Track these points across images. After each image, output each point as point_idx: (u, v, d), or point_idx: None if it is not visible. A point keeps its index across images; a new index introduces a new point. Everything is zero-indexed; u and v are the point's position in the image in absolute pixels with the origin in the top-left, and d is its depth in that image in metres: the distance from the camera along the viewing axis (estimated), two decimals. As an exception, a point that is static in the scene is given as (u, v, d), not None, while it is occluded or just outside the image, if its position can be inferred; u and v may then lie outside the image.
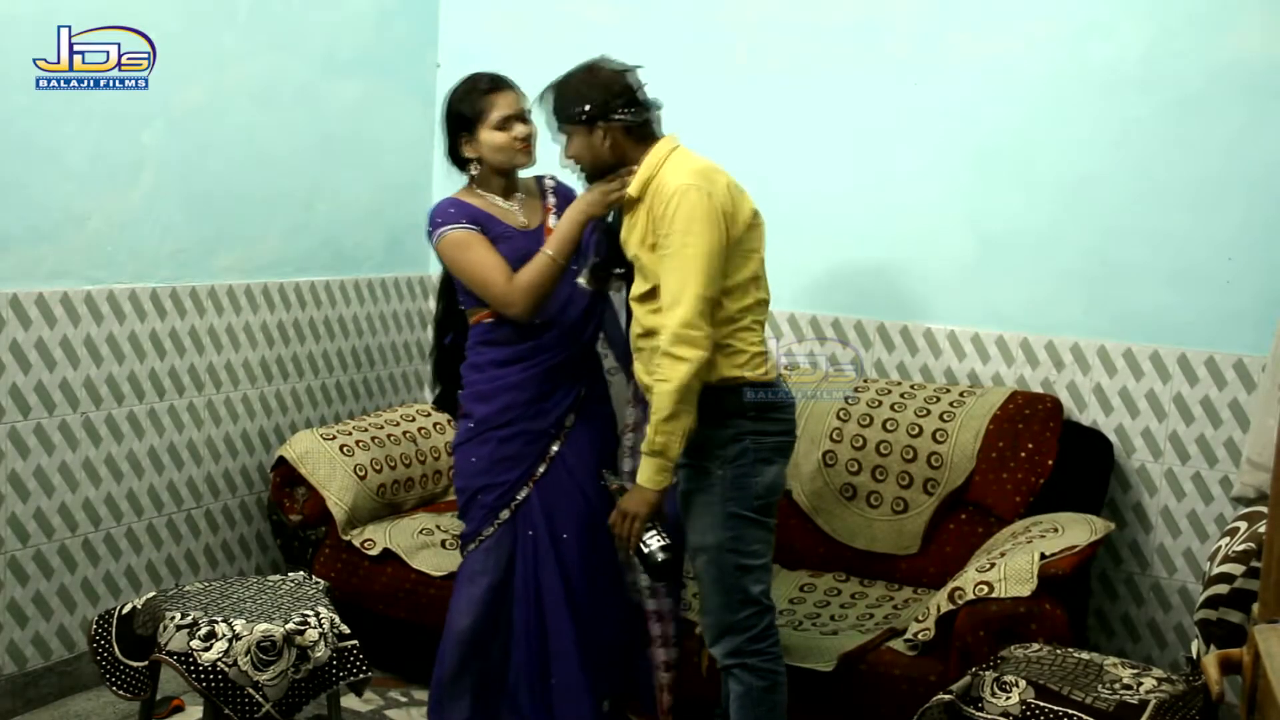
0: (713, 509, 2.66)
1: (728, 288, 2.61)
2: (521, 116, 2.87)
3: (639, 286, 2.71)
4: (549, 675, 2.91)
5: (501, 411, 2.88)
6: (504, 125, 2.84)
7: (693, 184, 2.56)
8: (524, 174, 2.99)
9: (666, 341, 2.54)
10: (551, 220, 2.91)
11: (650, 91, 2.73)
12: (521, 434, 2.89)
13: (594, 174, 2.75)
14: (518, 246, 2.84)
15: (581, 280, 2.86)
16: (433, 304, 4.47)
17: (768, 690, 2.68)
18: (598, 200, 2.74)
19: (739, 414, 2.66)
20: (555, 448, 2.91)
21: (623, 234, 2.75)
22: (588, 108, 2.65)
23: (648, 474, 2.59)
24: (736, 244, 2.62)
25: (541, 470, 2.90)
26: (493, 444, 2.89)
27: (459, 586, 2.96)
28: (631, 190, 2.68)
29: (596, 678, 2.90)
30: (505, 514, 2.90)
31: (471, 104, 2.86)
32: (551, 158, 2.89)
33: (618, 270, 2.83)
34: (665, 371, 2.54)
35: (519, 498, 2.90)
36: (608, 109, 2.65)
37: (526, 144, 2.87)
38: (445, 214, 2.86)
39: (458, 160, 2.94)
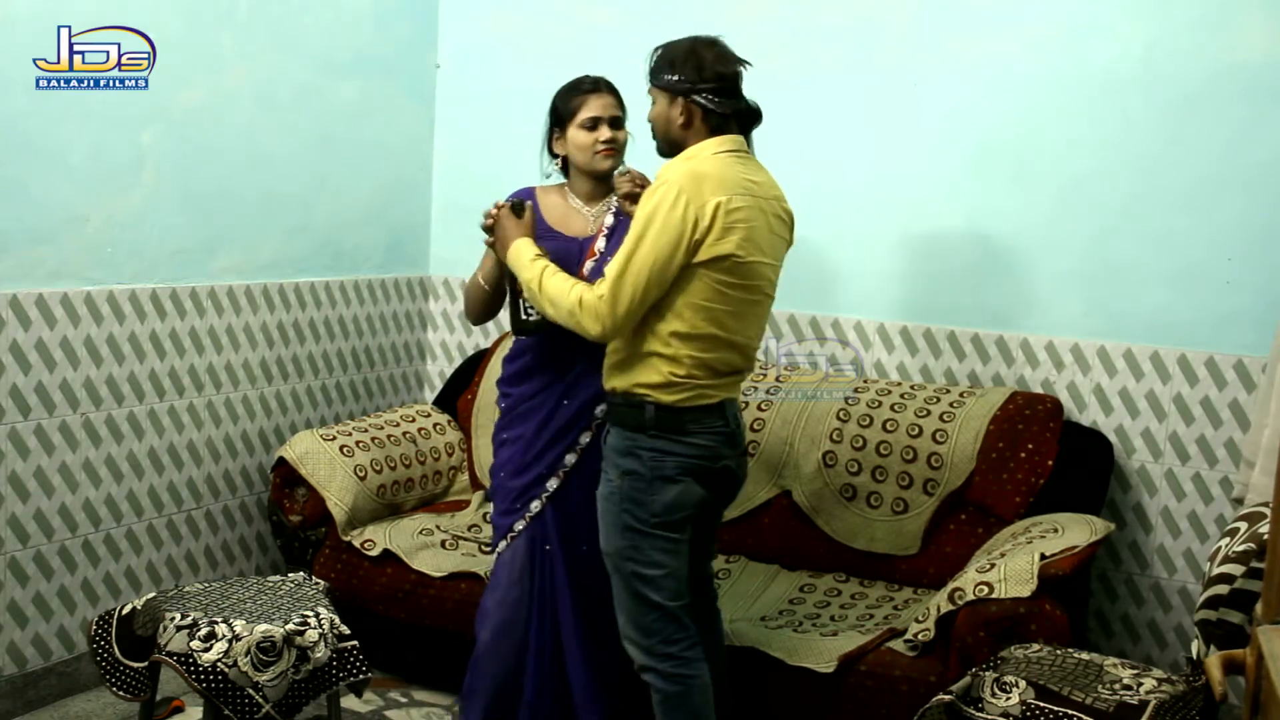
0: (611, 516, 2.65)
1: (679, 310, 2.53)
2: (611, 121, 2.84)
3: None
4: (566, 690, 2.89)
5: (524, 369, 2.93)
6: (591, 126, 2.82)
7: (680, 184, 2.48)
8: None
9: (587, 303, 2.52)
10: (600, 243, 2.86)
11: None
12: (541, 403, 2.89)
13: (663, 143, 2.67)
14: (558, 247, 2.83)
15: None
16: (432, 304, 4.51)
17: (682, 695, 2.64)
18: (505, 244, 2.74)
19: (638, 429, 2.60)
20: (585, 439, 2.88)
21: None
22: (677, 78, 2.59)
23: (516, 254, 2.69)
24: (699, 270, 2.51)
25: (571, 461, 2.88)
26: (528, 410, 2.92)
27: (484, 596, 2.99)
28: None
29: (605, 690, 2.89)
30: (536, 505, 2.88)
31: (566, 101, 2.85)
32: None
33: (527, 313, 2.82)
34: (564, 303, 2.55)
35: (548, 489, 2.88)
36: (694, 87, 2.58)
37: (609, 148, 2.83)
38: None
39: (554, 156, 2.95)
